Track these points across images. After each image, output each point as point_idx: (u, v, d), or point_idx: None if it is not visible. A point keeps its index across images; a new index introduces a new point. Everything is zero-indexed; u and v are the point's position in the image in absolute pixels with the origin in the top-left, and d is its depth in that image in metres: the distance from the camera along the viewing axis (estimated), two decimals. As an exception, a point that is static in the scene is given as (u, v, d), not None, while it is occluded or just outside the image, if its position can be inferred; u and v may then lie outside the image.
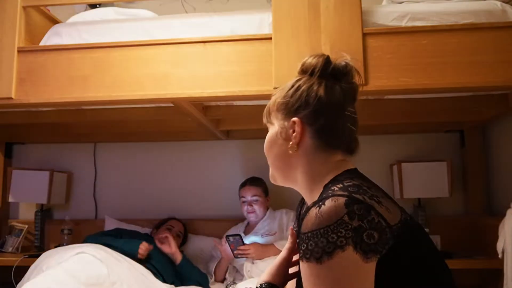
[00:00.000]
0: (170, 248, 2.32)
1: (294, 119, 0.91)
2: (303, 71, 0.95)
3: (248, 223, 2.60)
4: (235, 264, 2.45)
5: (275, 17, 1.75)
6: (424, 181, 2.51)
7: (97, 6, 2.55)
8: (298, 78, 0.95)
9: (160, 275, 2.21)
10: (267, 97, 1.62)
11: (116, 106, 2.19)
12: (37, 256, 2.15)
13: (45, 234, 2.86)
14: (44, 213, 2.85)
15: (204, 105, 2.23)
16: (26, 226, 2.80)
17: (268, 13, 1.81)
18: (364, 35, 1.70)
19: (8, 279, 2.38)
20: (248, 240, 2.39)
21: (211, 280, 2.46)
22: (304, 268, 0.75)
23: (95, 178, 2.99)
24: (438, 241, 2.44)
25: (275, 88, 1.67)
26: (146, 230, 2.66)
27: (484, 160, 2.64)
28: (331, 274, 0.71)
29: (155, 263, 2.25)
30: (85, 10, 2.63)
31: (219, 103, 2.21)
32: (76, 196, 3.00)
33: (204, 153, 2.95)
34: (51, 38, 1.99)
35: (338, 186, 0.80)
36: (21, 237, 2.75)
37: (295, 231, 1.08)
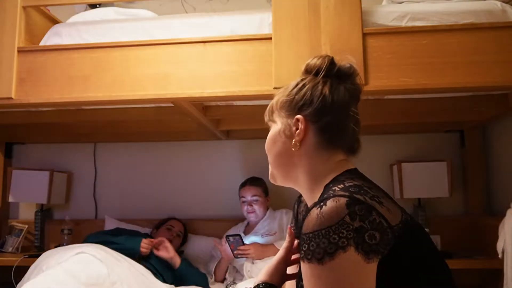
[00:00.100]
0: (168, 252, 2.29)
1: (298, 116, 0.91)
2: (307, 71, 0.96)
3: (248, 223, 2.60)
4: (235, 264, 2.45)
5: (275, 17, 1.75)
6: (424, 181, 2.51)
7: (97, 6, 2.55)
8: (302, 77, 0.95)
9: (160, 275, 2.21)
10: (267, 97, 1.63)
11: (116, 106, 2.19)
12: (37, 256, 2.15)
13: (45, 234, 2.86)
14: (44, 213, 2.85)
15: (204, 105, 2.23)
16: (26, 226, 2.80)
17: (268, 13, 1.81)
18: (364, 35, 1.70)
19: (8, 279, 2.38)
20: (248, 240, 2.39)
21: (211, 280, 2.46)
22: (306, 268, 0.75)
23: (95, 178, 3.00)
24: (438, 241, 2.44)
25: (275, 88, 1.68)
26: (146, 230, 2.66)
27: (484, 160, 2.64)
28: (333, 274, 0.71)
29: (155, 263, 2.25)
30: (85, 10, 2.63)
31: (219, 103, 2.21)
32: (76, 196, 3.00)
33: (204, 153, 2.95)
34: (51, 38, 1.99)
35: (339, 186, 0.80)
36: (21, 237, 2.75)
37: (293, 229, 1.08)
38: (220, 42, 1.80)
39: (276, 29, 1.74)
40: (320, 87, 0.91)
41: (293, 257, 0.97)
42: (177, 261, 2.30)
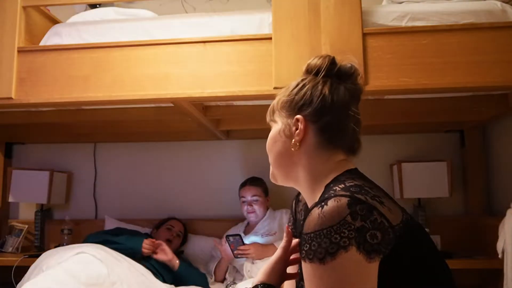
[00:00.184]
0: (166, 255, 2.28)
1: (298, 116, 0.91)
2: (308, 71, 0.96)
3: (248, 223, 2.60)
4: (235, 264, 2.45)
5: (275, 17, 1.75)
6: (424, 181, 2.51)
7: (97, 6, 2.55)
8: (302, 77, 0.96)
9: (160, 275, 2.21)
10: (267, 97, 1.63)
11: (116, 106, 2.19)
12: (37, 256, 2.14)
13: (45, 234, 2.86)
14: (44, 213, 2.85)
15: (204, 105, 2.23)
16: (26, 226, 2.80)
17: (268, 13, 1.81)
18: (364, 35, 1.70)
19: (8, 279, 2.38)
20: (248, 240, 2.39)
21: (211, 280, 2.46)
22: (307, 268, 0.75)
23: (95, 178, 3.00)
24: (438, 241, 2.44)
25: (275, 88, 1.68)
26: (146, 230, 2.66)
27: (484, 160, 2.64)
28: (334, 274, 0.71)
29: (155, 263, 2.25)
30: (85, 10, 2.63)
31: (219, 103, 2.21)
32: (76, 196, 3.00)
33: (204, 153, 2.95)
34: (51, 38, 1.99)
35: (340, 186, 0.80)
36: (21, 237, 2.75)
37: (291, 228, 1.08)
38: (220, 42, 1.80)
39: (276, 29, 1.74)
40: (320, 87, 0.91)
41: (293, 256, 0.97)
42: (175, 263, 2.28)
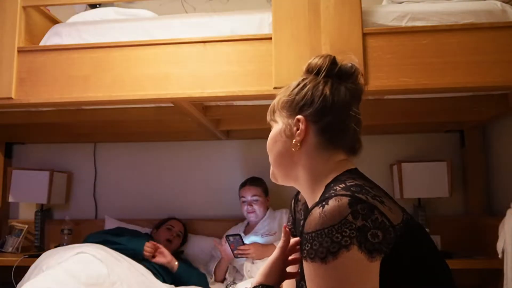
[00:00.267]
0: (165, 257, 2.27)
1: (299, 116, 0.91)
2: (309, 71, 0.96)
3: (248, 223, 2.60)
4: (235, 264, 2.45)
5: (275, 17, 1.75)
6: (424, 181, 2.51)
7: (97, 6, 2.55)
8: (303, 77, 0.95)
9: (160, 275, 2.20)
10: (267, 97, 1.63)
11: (116, 106, 2.19)
12: (37, 256, 2.14)
13: (45, 234, 2.86)
14: (44, 213, 2.85)
15: (204, 105, 2.23)
16: (26, 226, 2.80)
17: (268, 13, 1.81)
18: (364, 35, 1.70)
19: (8, 279, 2.38)
20: (248, 240, 2.39)
21: (211, 280, 2.46)
22: (308, 268, 0.75)
23: (95, 178, 3.00)
24: (438, 241, 2.44)
25: (275, 88, 1.68)
26: (146, 230, 2.66)
27: (484, 160, 2.64)
28: (336, 274, 0.71)
29: (155, 263, 2.25)
30: (85, 10, 2.63)
31: (219, 103, 2.21)
32: (76, 196, 3.00)
33: (204, 153, 2.95)
34: (51, 38, 1.99)
35: (340, 186, 0.80)
36: (21, 237, 2.75)
37: (289, 228, 1.08)
38: (220, 42, 1.80)
39: (276, 29, 1.74)
40: (321, 87, 0.91)
41: (292, 256, 0.97)
42: (174, 265, 2.28)
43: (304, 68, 0.97)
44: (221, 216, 2.85)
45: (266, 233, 2.45)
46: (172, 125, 2.60)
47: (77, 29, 1.98)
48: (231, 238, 2.32)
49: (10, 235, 2.76)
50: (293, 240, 0.98)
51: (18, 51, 1.90)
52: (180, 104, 1.93)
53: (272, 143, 0.97)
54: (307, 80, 0.94)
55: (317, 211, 0.75)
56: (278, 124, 0.96)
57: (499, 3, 1.76)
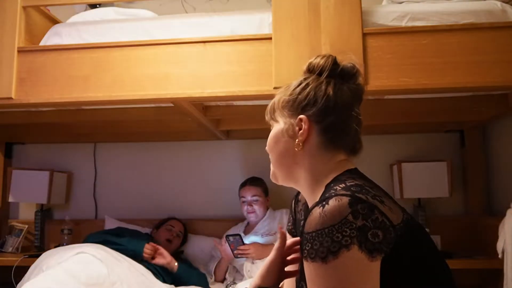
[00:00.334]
0: (164, 258, 2.26)
1: (302, 116, 0.91)
2: (310, 70, 0.95)
3: (248, 223, 2.60)
4: (235, 264, 2.45)
5: (275, 17, 1.75)
6: (424, 181, 2.51)
7: (97, 6, 2.55)
8: (305, 77, 0.95)
9: (160, 275, 2.20)
10: (267, 97, 1.63)
11: (116, 106, 2.19)
12: (37, 256, 2.15)
13: (45, 234, 2.86)
14: (44, 213, 2.85)
15: (204, 105, 2.23)
16: (26, 226, 2.80)
17: (268, 13, 1.81)
18: (364, 35, 1.70)
19: (8, 279, 2.38)
20: (248, 240, 2.39)
21: (211, 280, 2.46)
22: (309, 268, 0.75)
23: (95, 178, 3.00)
24: (438, 241, 2.44)
25: (275, 88, 1.68)
26: (146, 230, 2.66)
27: (484, 160, 2.64)
28: (337, 273, 0.71)
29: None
30: (85, 10, 2.63)
31: (219, 103, 2.21)
32: (76, 196, 3.00)
33: (204, 153, 2.95)
34: (51, 38, 1.99)
35: (340, 186, 0.80)
36: (21, 237, 2.75)
37: (289, 228, 1.08)
38: (220, 42, 1.80)
39: (276, 29, 1.74)
40: (323, 87, 0.91)
41: (292, 255, 0.97)
42: (173, 266, 2.27)
43: (304, 67, 0.97)
44: (221, 216, 2.85)
45: (266, 233, 2.45)
46: (172, 125, 2.60)
47: (77, 29, 1.98)
48: (231, 238, 2.32)
49: (10, 235, 2.76)
50: (291, 240, 0.98)
51: (18, 51, 1.90)
52: (180, 104, 1.93)
53: (273, 143, 0.96)
54: (309, 80, 0.93)
55: (317, 211, 0.75)
56: (279, 124, 0.96)
57: (499, 3, 1.76)
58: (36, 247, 2.78)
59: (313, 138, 0.91)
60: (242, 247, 2.30)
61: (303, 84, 0.93)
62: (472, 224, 2.56)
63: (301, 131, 0.91)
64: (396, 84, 1.68)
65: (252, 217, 2.52)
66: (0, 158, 2.95)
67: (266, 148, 0.98)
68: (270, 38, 1.75)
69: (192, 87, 1.78)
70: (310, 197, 0.93)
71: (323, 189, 0.86)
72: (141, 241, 2.27)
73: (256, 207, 2.50)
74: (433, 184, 2.50)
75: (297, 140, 0.91)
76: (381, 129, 2.66)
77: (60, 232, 2.68)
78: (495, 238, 1.95)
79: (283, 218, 2.50)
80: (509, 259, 1.82)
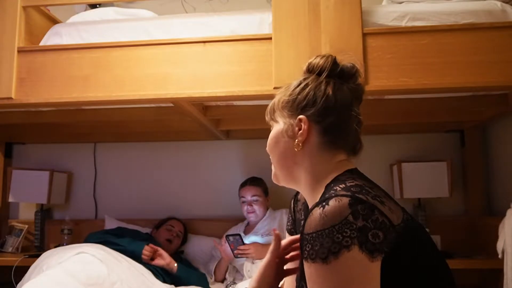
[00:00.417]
0: (164, 259, 2.26)
1: (301, 117, 0.91)
2: (309, 70, 0.95)
3: (248, 223, 2.60)
4: (235, 264, 2.45)
5: (275, 17, 1.75)
6: (424, 181, 2.51)
7: (97, 6, 2.55)
8: (304, 77, 0.95)
9: (160, 275, 2.20)
10: (267, 97, 1.63)
11: (116, 106, 2.19)
12: (37, 256, 2.15)
13: (45, 234, 2.86)
14: (44, 213, 2.85)
15: (204, 105, 2.23)
16: (26, 226, 2.80)
17: (268, 13, 1.81)
18: (364, 35, 1.70)
19: (8, 279, 2.38)
20: (248, 240, 2.39)
21: (211, 280, 2.46)
22: (309, 269, 0.74)
23: (95, 178, 2.99)
24: (438, 241, 2.44)
25: (275, 88, 1.68)
26: (146, 230, 2.66)
27: (484, 160, 2.64)
28: (337, 274, 0.71)
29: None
30: (85, 10, 2.63)
31: (219, 103, 2.21)
32: (76, 196, 3.00)
33: (204, 153, 2.95)
34: (51, 38, 1.99)
35: (340, 186, 0.80)
36: (21, 237, 2.75)
37: (289, 228, 1.08)
38: (220, 42, 1.80)
39: (276, 29, 1.74)
40: (323, 87, 0.91)
41: (291, 253, 0.97)
42: (173, 266, 2.27)
43: (304, 67, 0.96)
44: (221, 216, 2.84)
45: (266, 233, 2.45)
46: (172, 125, 2.60)
47: (77, 29, 1.98)
48: (231, 238, 2.32)
49: (10, 235, 2.76)
50: (288, 238, 0.98)
51: (18, 51, 1.90)
52: (180, 104, 1.93)
53: (273, 144, 0.96)
54: (308, 80, 0.93)
55: (317, 211, 0.75)
56: (279, 124, 0.95)
57: (499, 3, 1.76)
58: (36, 247, 2.78)
59: (312, 138, 0.90)
60: (242, 247, 2.30)
61: (302, 85, 0.93)
62: (472, 224, 2.56)
63: (300, 131, 0.90)
64: (396, 84, 1.68)
65: (252, 217, 2.52)
66: (0, 158, 2.95)
67: (267, 148, 0.98)
68: (270, 38, 1.75)
69: (192, 87, 1.78)
70: (310, 197, 0.93)
71: (323, 190, 0.86)
72: (140, 243, 2.27)
73: (256, 207, 2.50)
74: (433, 184, 2.50)
75: (296, 140, 0.91)
76: (381, 129, 2.66)
77: (60, 232, 2.69)
78: (495, 238, 1.95)
79: (283, 218, 2.50)
80: (509, 259, 1.82)
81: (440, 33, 1.69)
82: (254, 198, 2.52)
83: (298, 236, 0.98)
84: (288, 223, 1.11)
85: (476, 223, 2.54)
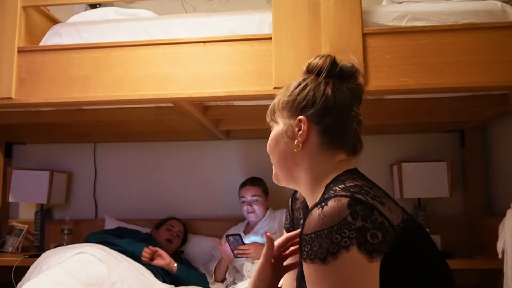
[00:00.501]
0: (163, 260, 2.25)
1: (301, 117, 0.91)
2: (309, 71, 0.95)
3: (248, 223, 2.60)
4: (235, 264, 2.45)
5: (275, 17, 1.75)
6: (424, 181, 2.51)
7: (97, 6, 2.55)
8: (304, 77, 0.95)
9: (160, 275, 2.20)
10: (267, 97, 1.63)
11: (116, 106, 2.19)
12: (37, 256, 2.15)
13: (45, 234, 2.86)
14: (44, 213, 2.85)
15: (204, 105, 2.23)
16: (26, 226, 2.80)
17: (268, 13, 1.81)
18: (364, 35, 1.70)
19: (8, 279, 2.38)
20: (248, 240, 2.39)
21: (211, 280, 2.46)
22: (308, 269, 0.74)
23: (95, 178, 3.00)
24: (438, 241, 2.44)
25: (275, 88, 1.68)
26: (146, 230, 2.66)
27: (484, 160, 2.64)
28: (336, 274, 0.71)
29: (155, 263, 2.25)
30: (85, 10, 2.63)
31: (219, 103, 2.21)
32: (76, 196, 3.00)
33: (204, 153, 2.95)
34: (51, 38, 1.99)
35: (340, 186, 0.80)
36: (21, 237, 2.75)
37: (287, 226, 1.08)
38: (220, 42, 1.80)
39: (276, 29, 1.74)
40: (322, 88, 0.91)
41: (290, 249, 0.97)
42: (173, 267, 2.27)
43: (304, 68, 0.97)
44: (221, 216, 2.85)
45: (266, 233, 2.44)
46: (172, 125, 2.60)
47: (77, 29, 1.98)
48: (231, 238, 2.32)
49: (10, 235, 2.76)
50: (286, 235, 0.99)
51: (18, 51, 1.90)
52: (180, 104, 1.93)
53: (274, 144, 0.96)
54: (308, 81, 0.93)
55: (316, 212, 0.75)
56: (279, 125, 0.96)
57: (499, 3, 1.76)
58: (36, 247, 2.78)
59: (312, 138, 0.91)
60: (242, 247, 2.30)
61: (302, 85, 0.93)
62: (472, 224, 2.56)
63: (300, 132, 0.90)
64: (396, 84, 1.68)
65: (252, 217, 2.52)
66: (0, 158, 2.95)
67: (267, 149, 0.98)
68: (270, 38, 1.75)
69: (192, 87, 1.78)
70: (310, 197, 0.93)
71: (323, 190, 0.86)
72: (140, 244, 2.26)
73: (256, 207, 2.50)
74: (433, 184, 2.50)
75: (296, 141, 0.91)
76: (381, 129, 2.66)
77: (60, 232, 2.69)
78: (495, 238, 1.95)
79: (283, 218, 2.49)
80: (509, 259, 1.82)
81: (440, 33, 1.69)
82: (254, 198, 2.52)
83: (294, 233, 0.99)
84: (286, 221, 1.11)
85: (476, 223, 2.54)
